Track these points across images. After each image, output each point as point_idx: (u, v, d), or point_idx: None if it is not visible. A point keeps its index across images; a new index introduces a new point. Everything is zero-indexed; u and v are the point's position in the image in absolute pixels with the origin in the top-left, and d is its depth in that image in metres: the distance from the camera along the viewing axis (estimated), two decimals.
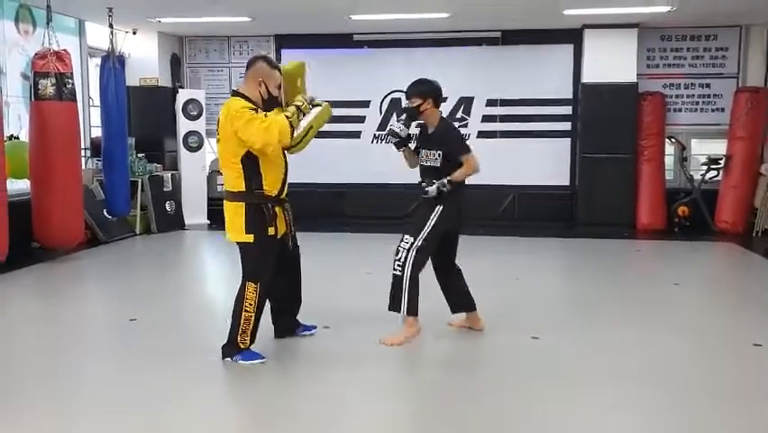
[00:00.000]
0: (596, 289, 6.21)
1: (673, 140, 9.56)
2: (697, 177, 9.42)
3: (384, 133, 4.54)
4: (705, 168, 9.35)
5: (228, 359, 4.04)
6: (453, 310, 4.70)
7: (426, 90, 4.49)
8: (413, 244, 4.33)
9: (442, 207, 4.37)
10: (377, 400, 3.59)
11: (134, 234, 8.82)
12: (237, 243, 4.05)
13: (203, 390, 3.77)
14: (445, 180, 4.34)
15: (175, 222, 9.33)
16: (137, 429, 3.22)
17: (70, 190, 7.10)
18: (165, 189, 9.38)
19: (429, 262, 4.49)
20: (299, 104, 4.06)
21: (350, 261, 7.48)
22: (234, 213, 4.00)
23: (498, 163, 9.97)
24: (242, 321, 3.99)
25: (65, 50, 7.09)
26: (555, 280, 6.95)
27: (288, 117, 3.92)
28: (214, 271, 7.59)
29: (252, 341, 4.05)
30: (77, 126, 7.35)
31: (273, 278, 4.13)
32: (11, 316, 5.46)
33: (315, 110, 4.16)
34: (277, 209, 4.07)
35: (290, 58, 10.23)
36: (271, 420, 3.38)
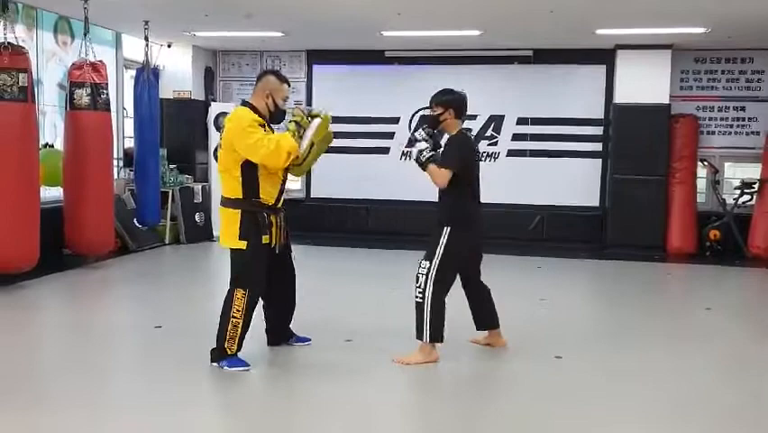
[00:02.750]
0: (624, 311, 6.11)
1: (706, 163, 9.42)
2: (729, 201, 9.27)
3: (412, 155, 4.46)
4: (738, 192, 9.19)
5: (215, 364, 4.07)
6: (478, 327, 4.66)
7: (449, 100, 4.45)
8: (429, 269, 4.26)
9: (450, 229, 4.29)
10: (388, 414, 3.56)
11: (163, 243, 8.91)
12: (230, 249, 4.07)
13: (224, 396, 3.78)
14: (420, 148, 4.28)
15: (204, 233, 9.41)
16: (157, 429, 3.24)
17: (102, 199, 7.21)
18: (195, 201, 9.47)
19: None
20: (298, 119, 4.06)
21: (376, 276, 7.47)
22: (229, 219, 4.04)
23: (528, 182, 9.94)
24: (229, 327, 4.01)
25: (101, 61, 7.23)
26: (582, 302, 6.86)
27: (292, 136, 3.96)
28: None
29: (239, 348, 4.07)
30: (111, 136, 7.47)
31: (265, 286, 4.15)
32: (40, 320, 5.54)
33: (315, 123, 4.07)
34: (272, 218, 4.10)
35: (322, 73, 10.40)
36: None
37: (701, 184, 9.57)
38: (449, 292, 4.35)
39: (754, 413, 3.76)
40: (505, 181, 9.92)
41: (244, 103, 4.19)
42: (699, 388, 4.10)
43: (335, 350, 4.54)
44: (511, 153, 9.99)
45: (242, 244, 4.00)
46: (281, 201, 4.20)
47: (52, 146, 7.54)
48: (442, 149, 4.40)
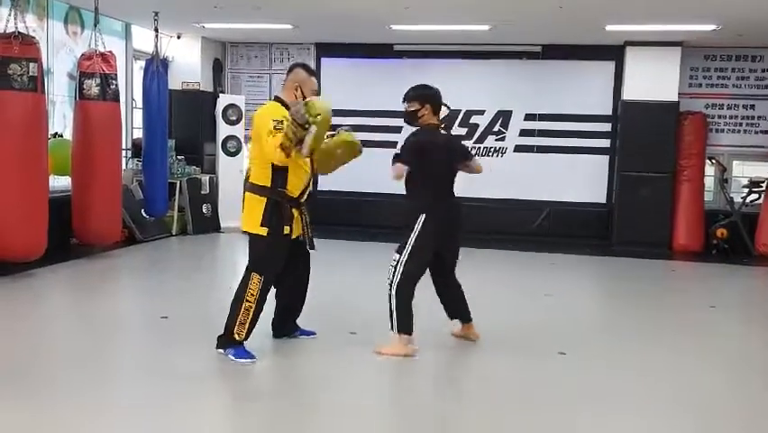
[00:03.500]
0: (628, 308, 6.12)
1: (714, 161, 9.40)
2: (737, 199, 9.24)
3: None
4: (746, 190, 9.16)
5: (221, 351, 4.09)
6: (450, 316, 4.66)
7: (426, 96, 4.45)
8: (398, 261, 4.30)
9: (424, 218, 4.30)
10: (385, 411, 3.59)
11: (170, 234, 8.95)
12: (249, 234, 4.13)
13: (229, 388, 3.81)
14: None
15: (211, 224, 9.44)
16: (161, 420, 3.26)
17: (110, 189, 7.25)
18: (202, 192, 9.50)
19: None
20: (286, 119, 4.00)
21: (383, 269, 7.47)
22: (254, 205, 4.10)
23: (535, 178, 9.93)
24: (241, 311, 4.05)
25: (110, 51, 7.26)
26: (587, 298, 6.87)
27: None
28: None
29: (248, 336, 4.10)
30: (120, 126, 7.50)
31: (279, 277, 4.22)
32: (47, 309, 5.59)
33: (312, 130, 3.93)
34: (294, 211, 4.15)
35: (330, 66, 10.40)
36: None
37: (709, 182, 9.55)
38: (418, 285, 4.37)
39: (757, 411, 3.76)
40: (512, 177, 9.92)
41: (276, 99, 4.31)
42: (702, 385, 4.11)
43: (339, 343, 4.56)
44: (518, 149, 9.98)
45: (263, 231, 4.07)
46: (306, 195, 4.24)
47: (62, 136, 7.58)
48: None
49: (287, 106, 4.11)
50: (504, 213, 9.95)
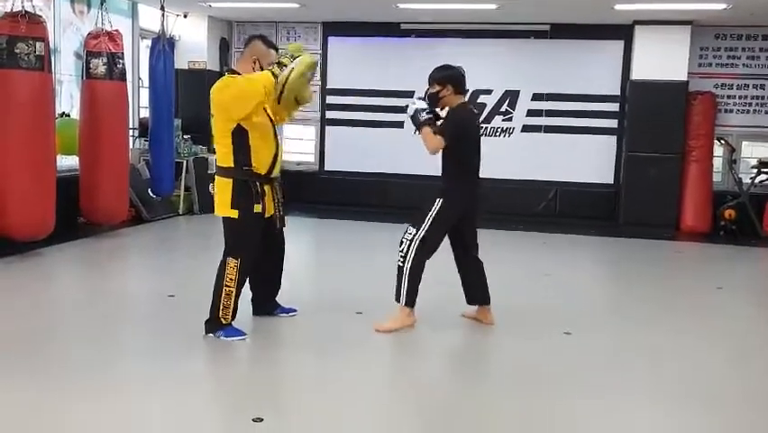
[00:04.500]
0: (634, 289, 6.12)
1: (723, 141, 9.33)
2: (746, 180, 9.19)
3: (408, 110, 4.48)
4: (755, 171, 9.11)
5: (210, 335, 4.11)
6: (468, 301, 4.68)
7: (447, 76, 4.42)
8: (415, 235, 4.33)
9: (442, 200, 4.34)
10: (388, 392, 3.61)
11: (177, 214, 8.98)
12: (222, 218, 4.11)
13: (235, 366, 3.84)
14: (420, 107, 4.31)
15: None
16: (170, 397, 3.30)
17: (117, 168, 7.27)
18: (209, 171, 9.50)
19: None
20: (284, 60, 4.03)
21: (389, 249, 7.49)
22: (222, 188, 4.06)
23: (542, 158, 9.89)
24: (222, 297, 4.06)
25: (117, 30, 7.24)
26: (593, 279, 6.87)
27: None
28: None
29: (234, 316, 4.12)
30: (126, 106, 7.50)
31: (257, 256, 4.20)
32: (55, 287, 5.64)
33: (296, 60, 3.99)
34: (266, 188, 4.12)
35: (337, 45, 10.35)
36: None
37: (717, 163, 9.49)
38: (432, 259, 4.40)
39: (762, 393, 3.76)
40: (519, 157, 9.90)
41: (230, 71, 4.22)
42: (707, 366, 4.11)
43: (346, 322, 4.58)
44: (526, 129, 9.94)
45: (234, 213, 4.03)
46: (275, 170, 4.19)
47: (69, 115, 7.59)
48: (441, 120, 4.40)
49: None
50: (511, 193, 9.93)
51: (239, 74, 4.10)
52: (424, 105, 4.39)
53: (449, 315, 4.74)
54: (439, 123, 4.40)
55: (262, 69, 4.09)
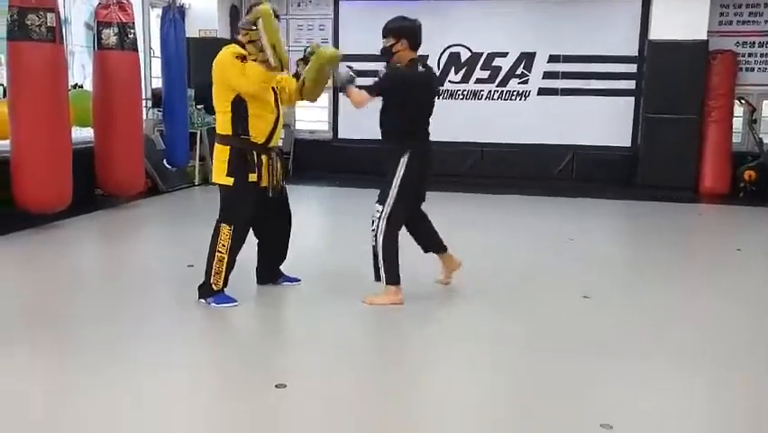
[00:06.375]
0: (653, 252, 6.07)
1: (743, 101, 9.17)
2: (767, 140, 9.04)
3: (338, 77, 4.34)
4: None
5: (202, 301, 4.15)
6: (425, 250, 4.58)
7: (401, 28, 4.24)
8: (382, 212, 4.20)
9: (408, 161, 4.16)
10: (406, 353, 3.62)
11: (193, 184, 8.99)
12: (218, 185, 4.12)
13: (258, 333, 3.86)
14: (345, 72, 4.21)
15: None
16: (194, 365, 3.32)
17: (132, 139, 7.26)
18: None
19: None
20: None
21: None
22: (219, 155, 4.09)
23: (559, 121, 9.79)
24: (215, 262, 4.09)
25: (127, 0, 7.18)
26: (611, 242, 6.82)
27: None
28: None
29: (225, 284, 4.14)
30: (139, 76, 7.47)
31: (259, 226, 4.26)
32: (74, 259, 5.67)
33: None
34: (263, 157, 4.11)
35: (349, 10, 10.22)
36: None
37: (737, 123, 9.35)
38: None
39: None
40: (535, 120, 9.79)
41: (234, 41, 4.19)
42: (725, 328, 4.08)
43: (365, 290, 4.57)
44: (542, 92, 9.83)
45: (229, 181, 4.05)
46: (274, 140, 4.18)
47: (82, 87, 7.57)
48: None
49: (245, 48, 3.99)
50: (528, 157, 9.85)
51: (242, 44, 4.03)
52: (345, 69, 4.26)
53: (473, 283, 4.73)
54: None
55: None
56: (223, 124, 4.08)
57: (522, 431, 2.79)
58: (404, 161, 4.19)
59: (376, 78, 4.25)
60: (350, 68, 4.31)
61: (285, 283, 4.61)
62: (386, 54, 4.26)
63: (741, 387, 3.27)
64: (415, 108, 4.26)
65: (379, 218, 4.21)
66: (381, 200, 4.23)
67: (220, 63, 4.03)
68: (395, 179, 4.20)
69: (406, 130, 4.25)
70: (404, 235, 4.36)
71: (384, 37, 4.26)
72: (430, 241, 4.54)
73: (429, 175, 4.39)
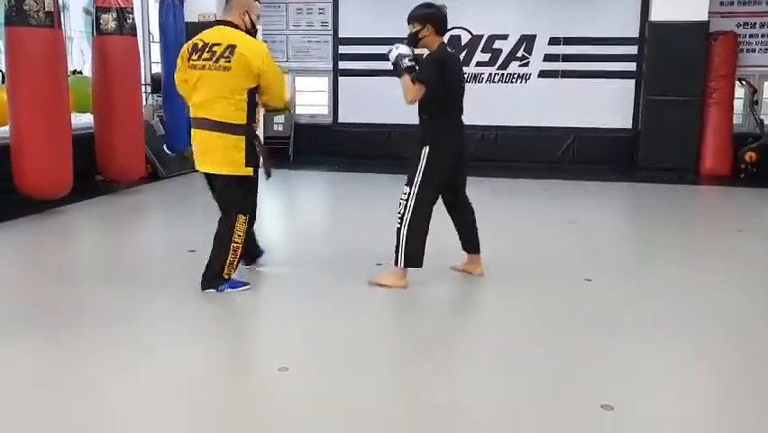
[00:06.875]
0: (654, 233, 6.08)
1: (744, 82, 9.14)
2: None
3: (389, 54, 4.17)
4: None
5: (212, 290, 4.10)
6: (464, 248, 4.57)
7: (427, 14, 4.19)
8: (409, 194, 4.15)
9: (429, 151, 4.14)
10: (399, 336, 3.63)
11: (194, 170, 8.94)
12: (228, 176, 4.06)
13: (259, 317, 3.88)
14: (403, 53, 4.06)
15: None
16: (196, 348, 3.34)
17: (131, 125, 7.25)
18: None
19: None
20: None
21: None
22: (233, 146, 3.98)
23: (560, 104, 9.76)
24: (230, 252, 4.07)
25: None
26: (613, 224, 6.83)
27: None
28: (266, 208, 7.68)
29: (235, 271, 4.17)
30: (138, 61, 7.44)
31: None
32: (75, 245, 5.68)
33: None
34: (256, 143, 4.13)
35: None
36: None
37: (738, 105, 9.32)
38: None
39: None
40: (536, 103, 9.77)
41: (230, 24, 4.08)
42: (727, 309, 4.09)
43: (368, 273, 4.58)
44: (543, 74, 9.79)
45: (249, 171, 4.04)
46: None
47: (81, 72, 7.54)
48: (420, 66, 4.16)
49: (247, 32, 4.05)
50: (528, 140, 9.84)
51: (237, 26, 4.02)
52: (407, 50, 4.13)
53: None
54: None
55: (252, 22, 4.11)
56: (233, 113, 3.96)
57: (522, 412, 2.80)
58: (435, 142, 4.16)
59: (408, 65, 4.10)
60: (411, 52, 4.15)
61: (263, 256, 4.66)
62: (411, 40, 4.22)
63: (742, 367, 3.29)
64: (454, 90, 4.22)
65: (406, 201, 4.17)
66: (408, 182, 4.19)
67: (260, 52, 3.95)
68: (422, 159, 4.16)
69: (444, 112, 4.20)
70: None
71: (409, 23, 4.24)
72: (466, 238, 4.51)
73: (461, 162, 4.33)
